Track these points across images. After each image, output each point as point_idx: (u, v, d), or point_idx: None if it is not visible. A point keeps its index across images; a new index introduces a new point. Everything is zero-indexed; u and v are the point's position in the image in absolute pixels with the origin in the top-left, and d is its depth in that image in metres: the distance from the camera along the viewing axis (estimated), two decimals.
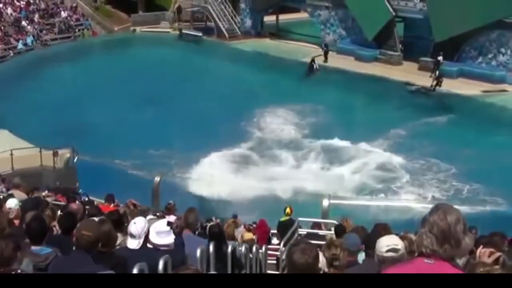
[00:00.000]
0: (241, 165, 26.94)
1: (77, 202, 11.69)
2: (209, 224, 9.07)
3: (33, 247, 5.74)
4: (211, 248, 7.18)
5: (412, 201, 21.80)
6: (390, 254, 4.92)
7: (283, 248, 12.21)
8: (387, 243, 5.04)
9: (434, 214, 3.29)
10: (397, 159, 27.24)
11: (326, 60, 40.02)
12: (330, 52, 40.21)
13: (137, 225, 6.32)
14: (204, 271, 6.39)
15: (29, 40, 44.40)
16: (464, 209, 18.44)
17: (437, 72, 34.87)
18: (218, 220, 13.21)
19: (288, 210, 16.15)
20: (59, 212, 9.56)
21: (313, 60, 39.15)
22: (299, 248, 3.93)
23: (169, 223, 6.41)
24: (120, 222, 7.51)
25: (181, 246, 6.52)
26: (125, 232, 6.94)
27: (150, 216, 10.27)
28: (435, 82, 34.48)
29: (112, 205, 14.54)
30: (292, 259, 3.90)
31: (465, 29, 34.93)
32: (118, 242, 6.60)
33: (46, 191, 15.99)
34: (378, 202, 21.41)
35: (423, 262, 3.22)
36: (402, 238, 5.93)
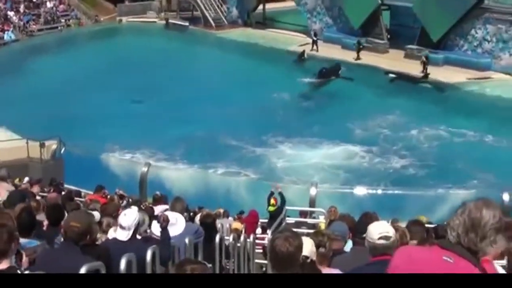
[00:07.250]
0: (230, 153, 26.95)
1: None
2: (201, 214, 9.11)
3: (21, 240, 5.70)
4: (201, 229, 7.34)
5: (400, 190, 21.86)
6: (382, 241, 4.91)
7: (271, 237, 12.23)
8: (379, 230, 4.99)
9: (472, 203, 3.10)
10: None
11: (316, 49, 39.87)
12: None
13: (127, 217, 6.29)
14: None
15: (10, 33, 43.78)
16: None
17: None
18: (207, 211, 13.23)
19: (272, 201, 16.16)
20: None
21: (303, 53, 39.26)
22: (283, 236, 3.88)
23: (155, 217, 6.43)
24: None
25: (167, 240, 6.56)
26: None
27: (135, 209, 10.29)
28: (424, 69, 34.59)
29: (103, 195, 14.49)
30: (273, 246, 3.85)
31: (454, 20, 35.14)
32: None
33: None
34: (366, 191, 21.41)
35: (441, 259, 3.02)
36: (394, 229, 5.92)
